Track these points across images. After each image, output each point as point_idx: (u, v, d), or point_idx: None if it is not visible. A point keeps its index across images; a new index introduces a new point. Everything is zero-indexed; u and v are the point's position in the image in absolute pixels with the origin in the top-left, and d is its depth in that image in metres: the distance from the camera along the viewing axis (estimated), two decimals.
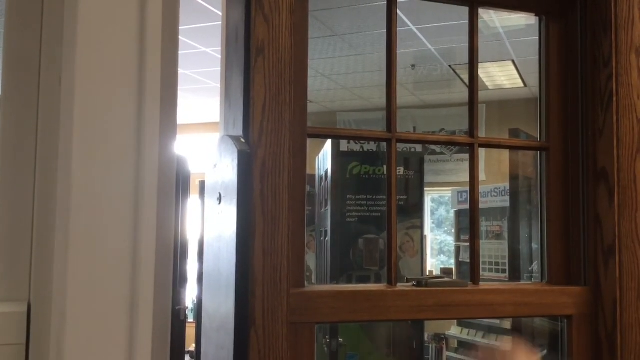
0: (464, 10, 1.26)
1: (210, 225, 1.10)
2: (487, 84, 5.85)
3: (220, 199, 1.03)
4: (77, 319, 0.76)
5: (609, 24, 1.22)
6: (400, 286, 1.14)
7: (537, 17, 1.34)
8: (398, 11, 1.20)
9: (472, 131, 1.24)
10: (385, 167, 3.26)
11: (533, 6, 1.31)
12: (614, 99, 1.20)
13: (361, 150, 3.69)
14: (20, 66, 0.88)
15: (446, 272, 5.33)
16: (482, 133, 1.27)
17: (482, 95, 1.28)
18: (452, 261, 5.79)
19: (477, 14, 1.26)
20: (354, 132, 3.68)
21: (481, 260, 1.28)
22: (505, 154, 3.32)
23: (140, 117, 0.81)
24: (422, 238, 3.55)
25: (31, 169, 0.86)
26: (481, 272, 1.26)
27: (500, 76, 5.85)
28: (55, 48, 0.85)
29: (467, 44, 1.25)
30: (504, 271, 4.10)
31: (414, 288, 1.13)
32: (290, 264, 0.99)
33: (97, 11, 0.80)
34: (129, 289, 0.78)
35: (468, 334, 4.40)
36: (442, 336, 5.02)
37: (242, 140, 0.97)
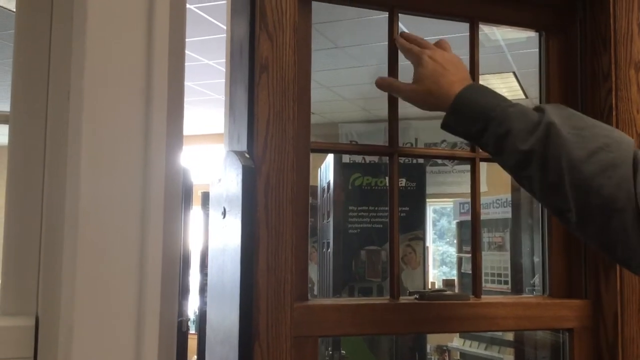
0: (465, 24, 1.28)
1: (215, 239, 1.12)
2: None
3: (224, 213, 1.04)
4: (84, 332, 0.77)
5: (608, 39, 1.23)
6: (403, 299, 1.15)
7: (537, 32, 1.36)
8: (399, 24, 1.22)
9: (473, 145, 1.25)
10: (386, 178, 3.28)
11: (533, 22, 1.32)
12: (614, 113, 1.21)
13: (363, 161, 3.71)
14: (28, 81, 0.89)
15: (448, 283, 5.32)
16: None
17: None
18: (455, 272, 5.78)
19: (478, 29, 1.27)
20: (357, 147, 3.70)
21: (483, 271, 1.29)
22: None
23: (147, 130, 0.82)
24: (424, 249, 3.56)
25: (39, 183, 0.88)
26: (483, 284, 1.27)
27: (502, 88, 5.88)
28: (64, 63, 0.87)
29: (467, 56, 1.27)
30: (505, 282, 4.10)
31: (417, 302, 1.14)
32: (294, 277, 1.00)
33: (105, 26, 0.82)
34: (136, 302, 0.79)
35: (470, 346, 4.39)
36: (445, 348, 5.01)
37: (247, 155, 0.99)
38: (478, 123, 0.98)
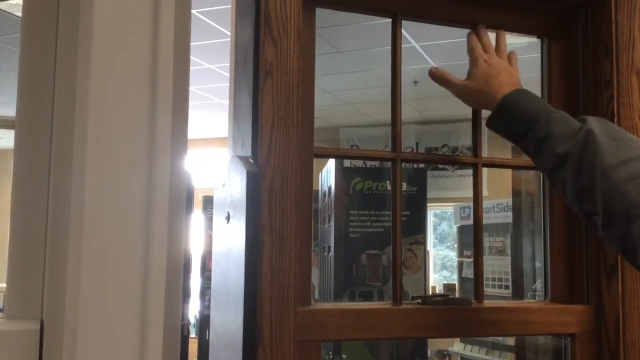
0: (468, 30, 1.28)
1: (219, 243, 1.12)
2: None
3: (228, 218, 1.05)
4: (88, 336, 0.77)
5: (610, 46, 1.24)
6: (406, 304, 1.15)
7: (539, 38, 1.36)
8: (402, 30, 1.22)
9: (475, 151, 1.26)
10: (387, 182, 3.28)
11: (535, 28, 1.33)
12: (616, 119, 1.21)
13: (364, 166, 3.72)
14: (34, 86, 0.90)
15: (449, 288, 5.32)
16: (485, 150, 1.28)
17: (484, 111, 1.30)
18: (455, 277, 5.78)
19: None
20: (360, 152, 3.70)
21: (484, 276, 1.30)
22: (508, 170, 3.33)
23: (152, 135, 0.83)
24: (425, 254, 3.56)
25: (44, 187, 0.88)
26: (484, 289, 1.27)
27: None
28: (70, 68, 0.87)
29: (468, 62, 1.27)
30: (506, 287, 4.10)
31: (419, 306, 1.15)
32: (298, 281, 1.01)
33: (110, 32, 0.82)
34: (140, 306, 0.80)
35: (471, 351, 4.38)
36: (445, 352, 5.01)
37: (251, 160, 0.99)
38: (521, 124, 1.05)
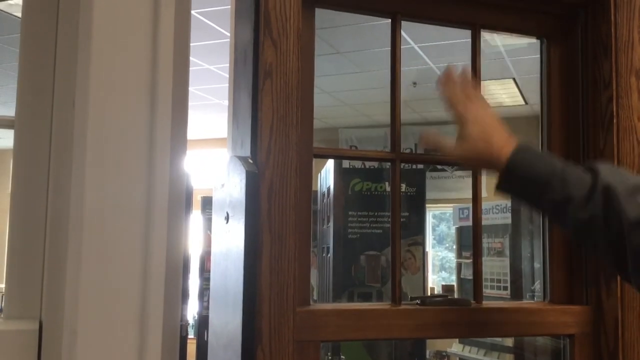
0: (466, 30, 1.29)
1: (218, 244, 1.12)
2: (488, 101, 5.87)
3: (227, 218, 1.05)
4: (87, 337, 0.77)
5: (609, 47, 1.24)
6: (404, 305, 1.15)
7: (538, 39, 1.37)
8: (402, 31, 1.22)
9: None
10: (386, 183, 3.28)
11: (534, 29, 1.33)
12: (615, 120, 1.21)
13: (363, 167, 3.72)
14: (34, 86, 0.90)
15: (448, 289, 5.32)
16: None
17: None
18: (454, 277, 5.78)
19: (479, 36, 1.28)
20: (359, 153, 3.70)
21: (483, 277, 1.30)
22: None
23: (152, 136, 0.83)
24: (424, 255, 3.56)
25: (44, 188, 0.88)
26: (483, 290, 1.27)
27: (502, 94, 5.89)
28: (69, 69, 0.87)
29: (468, 62, 1.27)
30: (505, 288, 4.10)
31: (418, 307, 1.15)
32: (297, 282, 1.01)
33: (110, 33, 0.82)
34: (140, 306, 0.80)
35: (470, 352, 4.39)
36: (444, 353, 5.00)
37: (250, 160, 0.99)
38: (534, 188, 0.99)
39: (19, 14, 0.91)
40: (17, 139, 0.89)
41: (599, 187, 0.95)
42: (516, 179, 1.00)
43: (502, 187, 1.03)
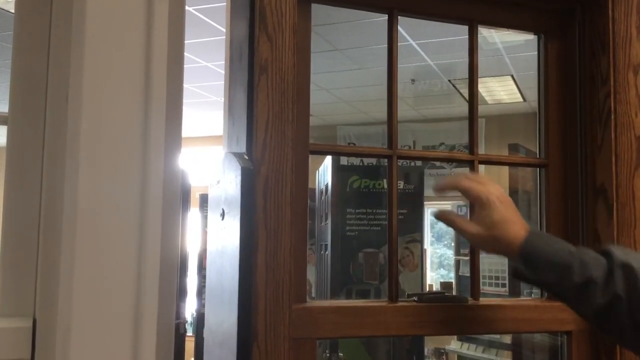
0: (464, 27, 1.28)
1: (213, 241, 1.11)
2: (487, 98, 5.87)
3: (223, 215, 1.04)
4: (82, 334, 0.77)
5: (607, 43, 1.23)
6: (402, 302, 1.15)
7: (536, 35, 1.36)
8: (398, 27, 1.22)
9: (472, 148, 1.25)
10: (384, 180, 3.28)
11: (532, 25, 1.33)
12: (612, 116, 1.21)
13: (361, 164, 3.71)
14: (27, 83, 0.89)
15: (446, 286, 5.32)
16: (481, 147, 1.28)
17: (481, 109, 1.29)
18: (452, 275, 5.78)
19: (477, 32, 1.27)
20: (355, 149, 3.69)
21: (481, 274, 1.29)
22: (505, 168, 3.33)
23: (146, 132, 0.82)
24: (422, 252, 3.55)
25: (37, 184, 0.87)
26: (481, 287, 1.27)
27: (500, 91, 5.88)
28: (63, 65, 0.87)
29: (466, 59, 1.27)
30: (503, 285, 4.09)
31: (415, 304, 1.14)
32: (293, 279, 1.00)
33: (104, 29, 0.82)
34: (134, 303, 0.79)
35: (468, 349, 4.39)
36: (442, 351, 5.01)
37: (246, 157, 0.99)
38: (553, 273, 0.98)
39: (14, 10, 0.91)
40: (10, 135, 0.88)
41: (616, 267, 0.94)
42: (535, 265, 0.99)
43: (521, 275, 1.02)
